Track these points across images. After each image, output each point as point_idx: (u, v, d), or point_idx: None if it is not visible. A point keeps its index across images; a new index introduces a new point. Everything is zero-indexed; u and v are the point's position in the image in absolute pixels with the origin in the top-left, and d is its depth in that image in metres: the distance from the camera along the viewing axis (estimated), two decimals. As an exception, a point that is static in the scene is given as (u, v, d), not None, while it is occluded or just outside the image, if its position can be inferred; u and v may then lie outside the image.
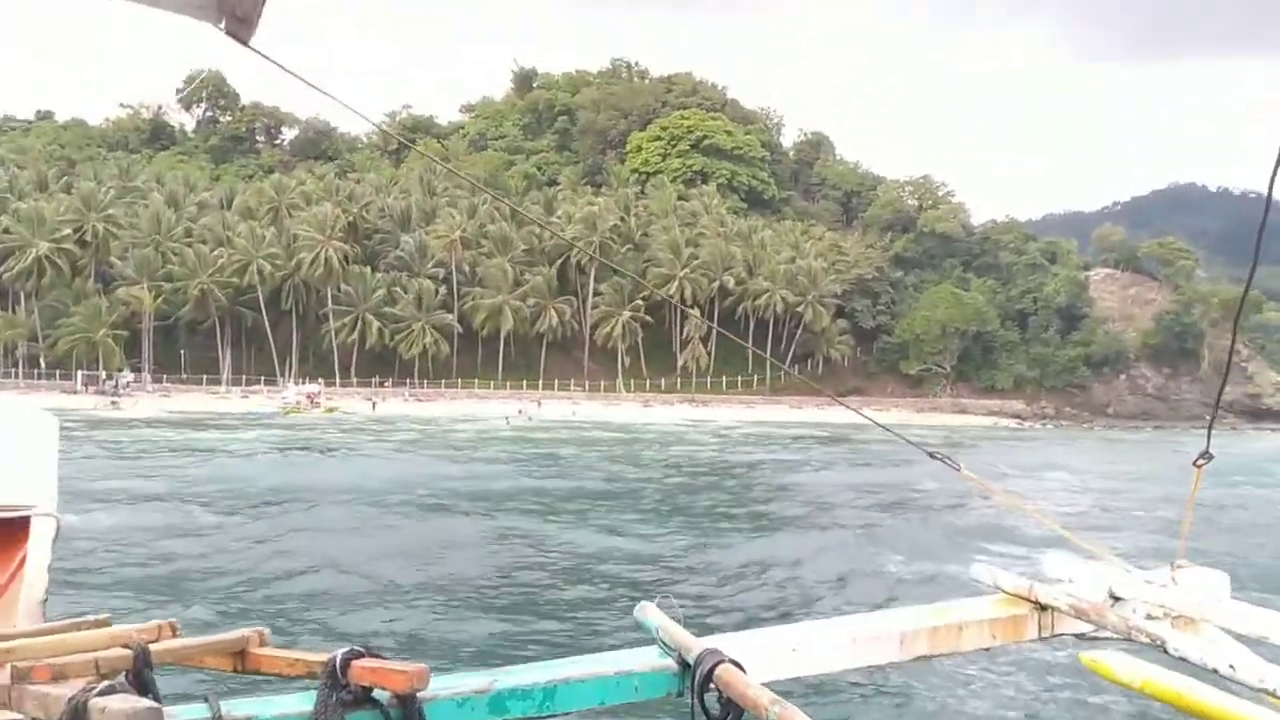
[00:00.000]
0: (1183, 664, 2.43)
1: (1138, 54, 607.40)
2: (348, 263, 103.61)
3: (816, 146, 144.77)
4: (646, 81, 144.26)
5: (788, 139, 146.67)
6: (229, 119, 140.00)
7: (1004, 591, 2.86)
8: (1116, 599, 2.74)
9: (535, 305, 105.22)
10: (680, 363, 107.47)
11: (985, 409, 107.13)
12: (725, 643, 2.21)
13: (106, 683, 1.71)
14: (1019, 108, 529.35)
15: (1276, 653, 2.37)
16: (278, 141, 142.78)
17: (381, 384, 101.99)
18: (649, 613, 2.45)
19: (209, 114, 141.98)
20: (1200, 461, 2.97)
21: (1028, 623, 2.78)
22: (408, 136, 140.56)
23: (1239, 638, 2.49)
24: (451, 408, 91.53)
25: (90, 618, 2.49)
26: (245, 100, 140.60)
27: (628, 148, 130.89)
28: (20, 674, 1.88)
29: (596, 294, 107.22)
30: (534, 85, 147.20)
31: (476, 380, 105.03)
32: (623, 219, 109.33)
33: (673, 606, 2.41)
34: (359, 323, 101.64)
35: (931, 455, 3.34)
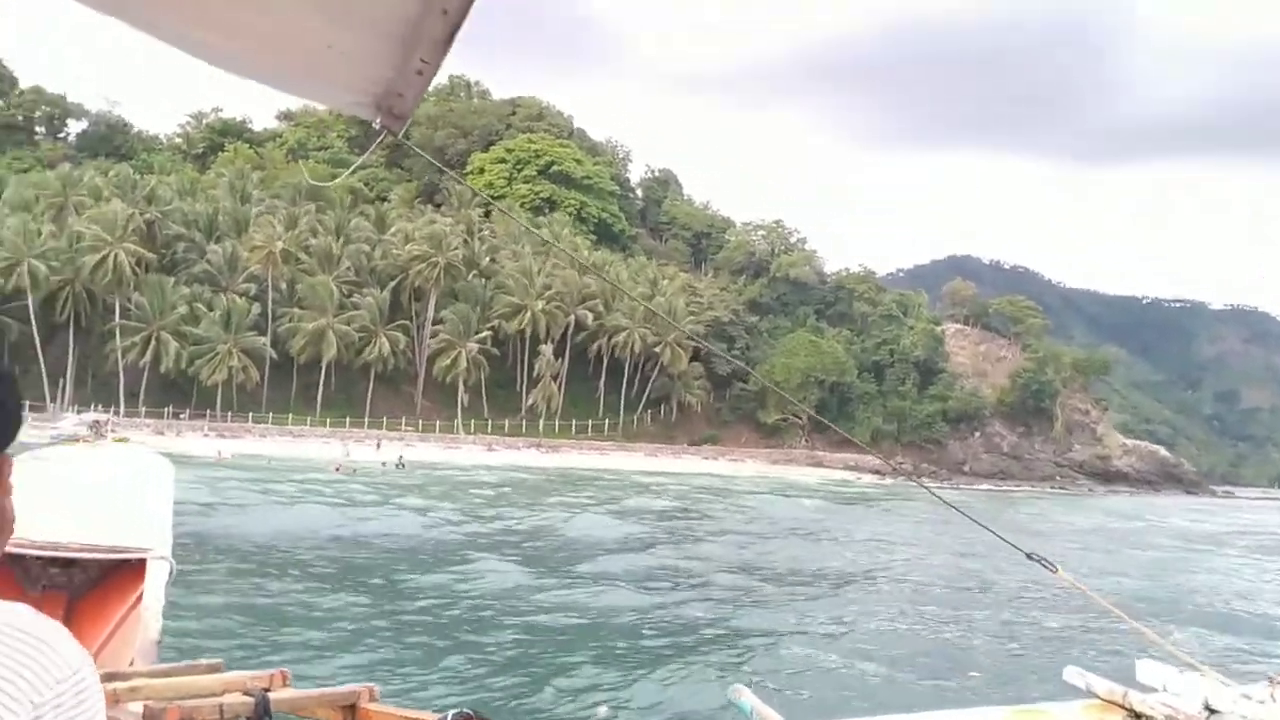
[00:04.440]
0: None
1: (908, 143, 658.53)
2: (144, 270, 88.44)
3: (664, 184, 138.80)
4: (488, 101, 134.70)
5: (634, 175, 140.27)
6: (3, 105, 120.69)
7: (1097, 697, 2.83)
8: (1212, 712, 2.69)
9: (363, 332, 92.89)
10: (529, 402, 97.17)
11: (842, 462, 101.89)
12: None
13: None
14: (814, 180, 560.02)
15: None
16: (61, 134, 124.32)
17: (176, 415, 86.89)
18: (744, 695, 2.53)
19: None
20: None
21: None
22: (216, 141, 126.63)
23: None
24: (263, 446, 78.24)
25: (204, 661, 2.73)
26: (25, 84, 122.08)
27: (468, 169, 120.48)
28: (153, 714, 2.09)
29: (436, 323, 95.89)
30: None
31: (290, 415, 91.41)
32: (467, 241, 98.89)
33: (766, 689, 2.49)
34: (153, 342, 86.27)
35: (1028, 556, 3.37)
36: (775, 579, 23.45)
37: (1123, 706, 2.71)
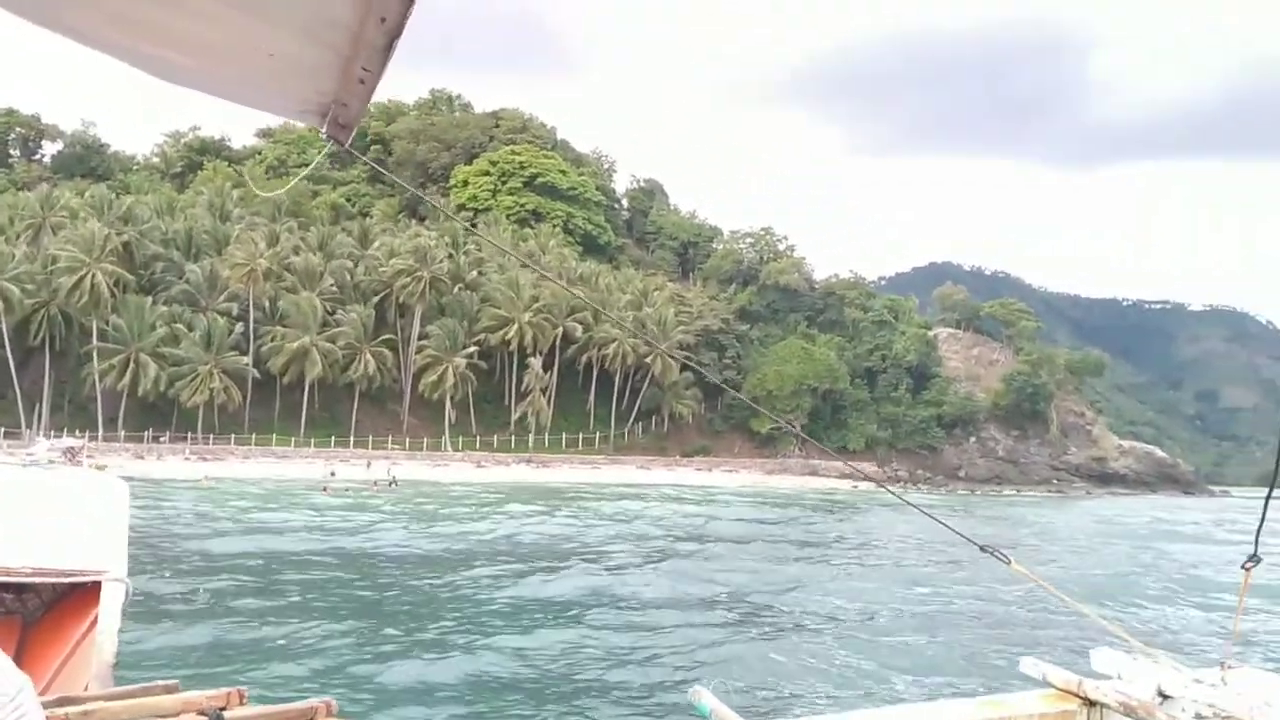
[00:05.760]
0: None
1: (888, 151, 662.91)
2: (121, 291, 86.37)
3: (650, 194, 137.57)
4: (470, 114, 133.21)
5: (620, 186, 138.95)
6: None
7: (1053, 686, 2.86)
8: (1165, 697, 2.74)
9: (348, 349, 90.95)
10: (517, 416, 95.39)
11: (838, 470, 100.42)
12: None
13: None
14: (796, 189, 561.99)
15: None
16: (37, 156, 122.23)
17: (157, 438, 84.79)
18: (703, 697, 2.55)
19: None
20: (1248, 564, 2.96)
21: (1076, 719, 2.77)
22: (194, 159, 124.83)
23: None
24: (247, 468, 76.32)
25: (160, 683, 2.65)
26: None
27: (452, 182, 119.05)
28: None
29: (422, 338, 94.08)
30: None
31: (275, 435, 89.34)
32: (451, 254, 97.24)
33: (726, 690, 2.63)
34: (131, 364, 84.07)
35: (982, 549, 3.36)
36: (741, 585, 24.01)
37: (1078, 695, 2.73)
